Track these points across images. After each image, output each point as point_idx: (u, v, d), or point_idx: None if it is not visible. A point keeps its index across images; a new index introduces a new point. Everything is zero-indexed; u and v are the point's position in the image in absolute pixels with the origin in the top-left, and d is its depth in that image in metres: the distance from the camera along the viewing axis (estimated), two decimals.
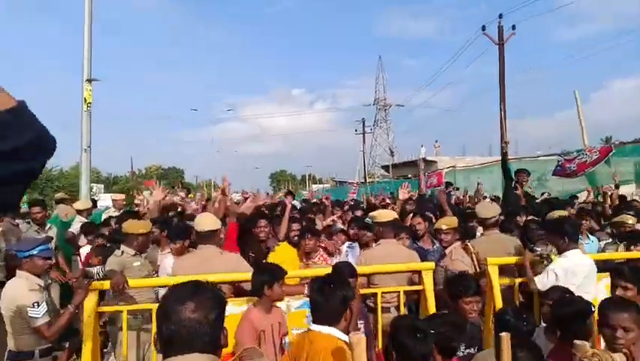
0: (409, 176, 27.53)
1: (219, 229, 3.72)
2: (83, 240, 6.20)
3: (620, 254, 4.11)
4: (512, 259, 3.76)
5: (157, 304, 3.62)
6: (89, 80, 8.40)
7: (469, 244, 4.19)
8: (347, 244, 5.09)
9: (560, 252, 3.34)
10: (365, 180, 34.56)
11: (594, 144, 9.75)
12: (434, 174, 17.87)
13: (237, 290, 3.59)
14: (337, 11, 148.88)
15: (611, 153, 8.49)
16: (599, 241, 5.03)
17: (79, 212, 6.90)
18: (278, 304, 3.04)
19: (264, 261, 4.01)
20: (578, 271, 3.19)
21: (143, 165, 72.16)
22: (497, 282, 3.53)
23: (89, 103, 8.47)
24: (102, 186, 47.61)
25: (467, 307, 2.85)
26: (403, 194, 6.02)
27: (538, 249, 3.70)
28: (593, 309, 2.41)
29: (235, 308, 3.11)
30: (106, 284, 3.38)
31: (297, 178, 67.76)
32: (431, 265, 3.61)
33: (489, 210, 4.32)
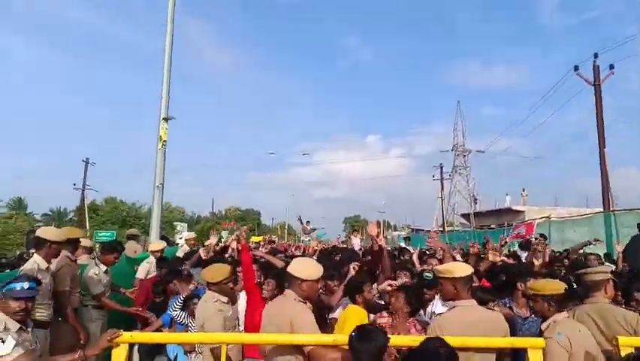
0: (492, 226, 25.41)
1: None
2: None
3: None
4: None
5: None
6: (166, 119, 8.60)
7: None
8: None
9: None
10: (444, 228, 32.66)
11: None
12: (523, 224, 16.18)
13: None
14: (413, 59, 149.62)
15: None
16: None
17: (152, 253, 6.85)
18: None
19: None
20: None
21: (224, 206, 75.63)
22: None
23: (164, 141, 8.64)
24: (186, 225, 50.50)
25: None
26: (494, 256, 4.88)
27: None
28: None
29: None
30: (137, 336, 2.94)
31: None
32: (541, 341, 2.70)
33: (597, 267, 3.30)
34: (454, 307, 2.93)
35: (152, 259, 6.64)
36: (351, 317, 3.50)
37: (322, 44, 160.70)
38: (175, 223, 48.14)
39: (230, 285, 3.79)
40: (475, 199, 43.28)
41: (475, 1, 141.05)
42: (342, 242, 17.34)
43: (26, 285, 2.92)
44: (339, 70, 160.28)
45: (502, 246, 6.47)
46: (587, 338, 2.82)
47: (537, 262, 5.19)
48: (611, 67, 16.57)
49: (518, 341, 2.89)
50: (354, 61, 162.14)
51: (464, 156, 49.53)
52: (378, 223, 4.63)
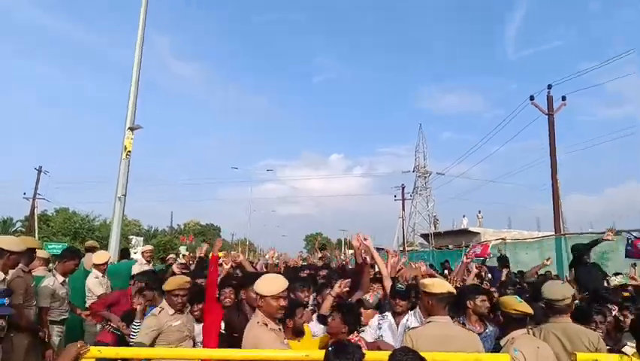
0: (450, 246, 26.10)
1: None
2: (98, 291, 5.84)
3: None
4: (610, 357, 2.90)
5: None
6: (131, 129, 8.41)
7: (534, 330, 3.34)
8: (377, 317, 4.20)
9: None
10: (404, 247, 33.19)
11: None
12: (479, 245, 16.76)
13: None
14: (381, 83, 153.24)
15: None
16: None
17: (96, 266, 6.14)
18: None
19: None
20: None
21: (183, 220, 73.83)
22: None
23: (129, 151, 8.43)
24: (141, 238, 48.76)
25: None
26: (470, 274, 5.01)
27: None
28: None
29: None
30: (105, 351, 2.83)
31: (332, 242, 66.57)
32: (507, 357, 2.81)
33: (563, 290, 3.43)
34: (429, 322, 3.04)
35: (98, 273, 6.09)
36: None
37: (292, 61, 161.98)
38: (130, 237, 46.43)
39: (181, 298, 3.88)
40: (436, 220, 44.35)
41: (439, 27, 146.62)
42: (303, 259, 17.28)
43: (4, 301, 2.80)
44: (305, 88, 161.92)
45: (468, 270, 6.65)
46: (544, 355, 2.96)
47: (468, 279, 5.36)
48: (563, 98, 17.62)
49: (485, 357, 3.00)
50: (320, 79, 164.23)
51: (425, 177, 50.80)
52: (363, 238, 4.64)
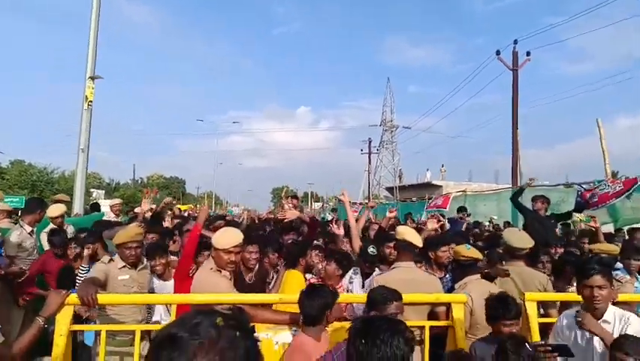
0: (414, 199, 26.96)
1: None
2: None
3: None
4: (555, 296, 3.25)
5: (143, 326, 3.19)
6: (92, 78, 8.05)
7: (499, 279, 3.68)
8: (352, 270, 4.34)
9: None
10: (369, 200, 34.00)
11: (600, 177, 9.18)
12: (440, 197, 17.43)
13: None
14: (347, 36, 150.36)
15: (635, 185, 7.99)
16: None
17: (51, 219, 5.71)
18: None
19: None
20: None
21: (146, 173, 72.22)
22: (536, 320, 3.04)
23: (90, 101, 8.11)
24: (103, 192, 47.46)
25: (506, 329, 2.64)
26: (432, 223, 5.28)
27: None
28: None
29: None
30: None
31: (299, 195, 67.19)
32: (464, 297, 3.10)
33: (523, 240, 3.73)
34: (394, 267, 3.29)
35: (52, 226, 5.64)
36: (290, 280, 3.76)
37: (257, 12, 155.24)
38: (91, 190, 45.14)
39: (134, 250, 3.62)
40: (401, 174, 45.34)
41: None
42: (270, 212, 17.47)
43: None
44: (272, 39, 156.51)
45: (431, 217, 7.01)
46: None
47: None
48: (528, 54, 17.88)
49: (443, 297, 3.27)
50: (281, 31, 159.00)
51: (391, 131, 51.33)
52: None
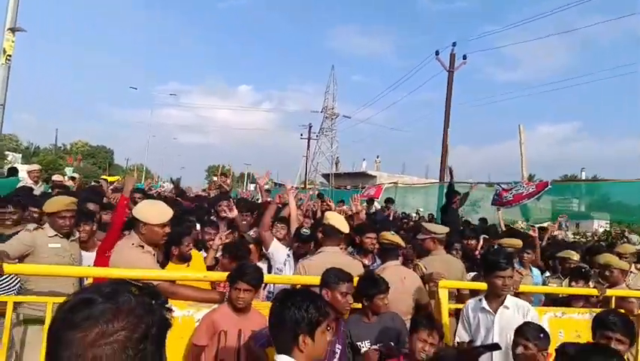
0: (348, 187, 27.60)
1: None
2: None
3: (563, 289, 4.06)
4: (470, 285, 3.53)
5: (55, 298, 3.04)
6: (12, 30, 7.33)
7: (419, 263, 3.92)
8: (286, 251, 4.28)
9: None
10: (305, 185, 34.27)
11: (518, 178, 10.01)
12: (373, 187, 18.00)
13: None
14: (295, 19, 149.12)
15: (546, 189, 8.75)
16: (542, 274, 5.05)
17: None
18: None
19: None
20: None
21: (69, 140, 67.31)
22: (446, 306, 3.29)
23: (9, 55, 7.40)
24: (20, 155, 43.66)
25: (380, 302, 2.91)
26: (355, 206, 5.48)
27: None
28: None
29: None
30: (9, 268, 2.72)
31: (235, 175, 66.12)
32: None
33: (440, 227, 4.11)
34: (320, 252, 3.38)
35: None
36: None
37: None
38: (7, 153, 41.36)
39: (68, 220, 3.47)
40: (338, 161, 46.08)
41: None
42: (203, 190, 17.08)
43: None
44: (217, 12, 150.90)
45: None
46: (408, 285, 3.43)
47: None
48: (464, 57, 18.79)
49: None
50: (225, 5, 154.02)
51: (332, 119, 51.85)
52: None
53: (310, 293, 1.87)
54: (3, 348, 2.79)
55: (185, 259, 3.75)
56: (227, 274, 2.89)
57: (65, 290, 3.09)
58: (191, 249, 3.84)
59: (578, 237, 14.23)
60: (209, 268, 3.90)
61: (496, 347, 2.56)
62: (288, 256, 4.23)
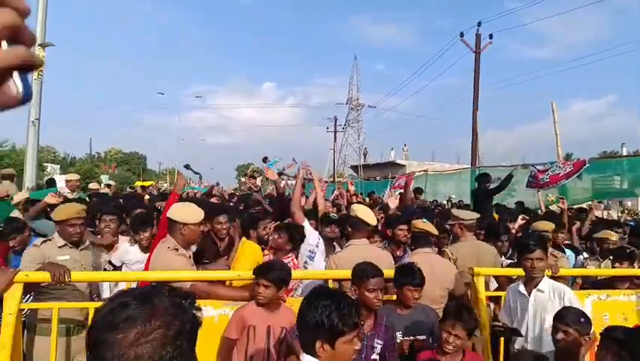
0: (378, 178, 27.40)
1: None
2: None
3: (605, 271, 3.89)
4: (502, 271, 3.44)
5: (97, 303, 3.15)
6: (43, 45, 7.61)
7: (447, 249, 3.85)
8: (308, 247, 4.15)
9: None
10: (334, 179, 34.25)
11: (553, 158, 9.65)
12: (404, 176, 17.77)
13: None
14: (315, 11, 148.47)
15: (585, 167, 8.41)
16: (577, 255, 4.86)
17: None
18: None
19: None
20: None
21: (103, 148, 69.53)
22: (484, 294, 3.21)
23: (41, 70, 7.69)
24: (58, 166, 45.37)
25: (409, 294, 2.85)
26: (393, 202, 5.35)
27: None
28: None
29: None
30: (32, 275, 2.81)
31: (263, 172, 66.67)
32: None
33: (468, 213, 4.06)
34: (349, 245, 3.37)
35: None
36: (246, 251, 3.75)
37: None
38: (45, 164, 43.10)
39: (78, 228, 3.34)
40: (366, 152, 45.81)
41: None
42: (235, 190, 17.35)
43: None
44: (238, 11, 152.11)
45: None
46: (440, 269, 3.34)
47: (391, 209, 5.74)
48: (490, 36, 18.21)
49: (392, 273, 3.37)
50: (253, 3, 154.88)
51: (357, 110, 51.51)
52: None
53: (338, 299, 1.73)
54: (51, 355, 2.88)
55: (263, 242, 3.87)
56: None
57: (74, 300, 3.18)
58: (267, 234, 3.97)
59: (624, 215, 13.67)
60: None
61: (515, 332, 2.53)
62: (319, 238, 4.25)
